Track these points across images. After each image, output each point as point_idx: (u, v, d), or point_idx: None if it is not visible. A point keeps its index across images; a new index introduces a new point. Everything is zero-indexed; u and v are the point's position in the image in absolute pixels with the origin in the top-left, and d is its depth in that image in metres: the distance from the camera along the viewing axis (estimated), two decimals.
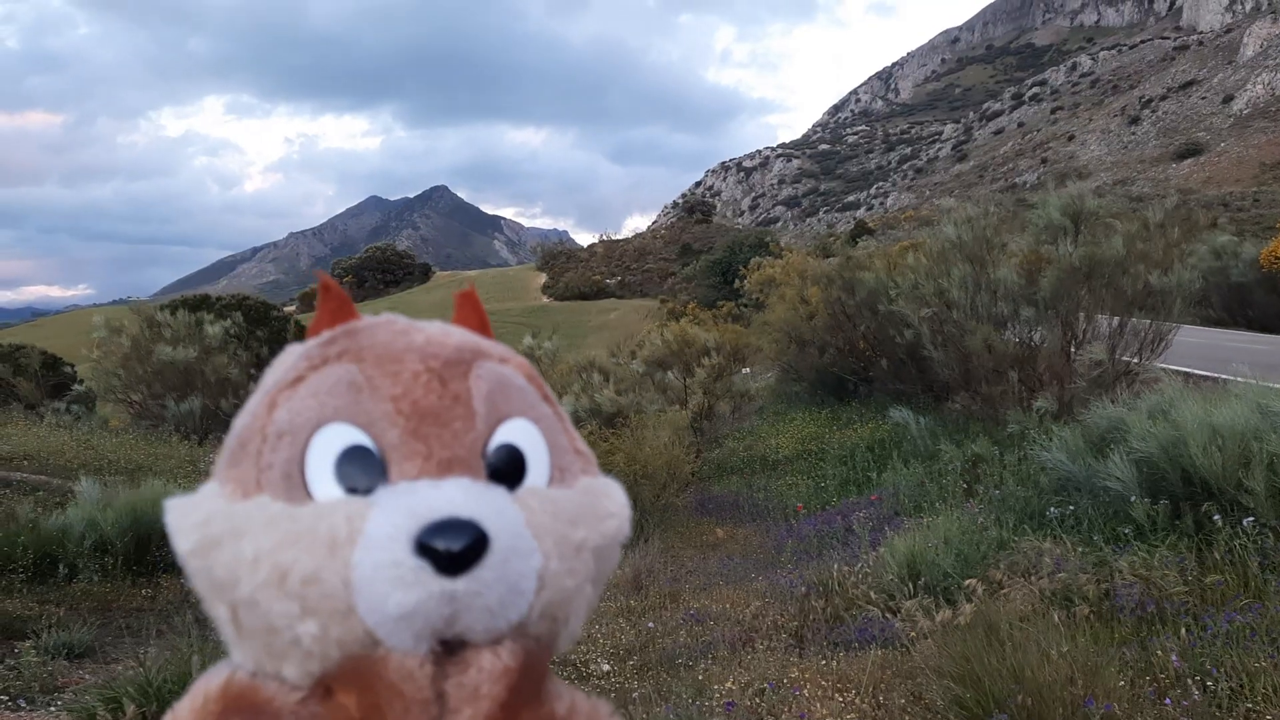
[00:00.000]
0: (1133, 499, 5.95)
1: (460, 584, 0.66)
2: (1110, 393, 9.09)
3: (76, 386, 21.83)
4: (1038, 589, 5.43)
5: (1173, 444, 6.01)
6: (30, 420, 15.79)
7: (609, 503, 0.81)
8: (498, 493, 0.72)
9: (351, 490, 0.70)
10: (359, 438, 0.72)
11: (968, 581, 5.77)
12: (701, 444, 16.88)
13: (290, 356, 0.80)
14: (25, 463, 10.70)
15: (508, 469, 0.75)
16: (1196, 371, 11.96)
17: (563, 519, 0.75)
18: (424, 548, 0.65)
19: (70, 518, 7.79)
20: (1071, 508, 6.66)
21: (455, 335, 0.80)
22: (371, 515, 0.68)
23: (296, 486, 0.71)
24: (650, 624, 7.03)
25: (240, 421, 0.78)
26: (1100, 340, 11.37)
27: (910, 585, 6.29)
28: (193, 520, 0.72)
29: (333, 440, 0.72)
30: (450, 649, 0.69)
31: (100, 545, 7.71)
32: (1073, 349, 11.50)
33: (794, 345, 21.02)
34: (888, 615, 6.09)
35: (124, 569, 7.76)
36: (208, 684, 0.73)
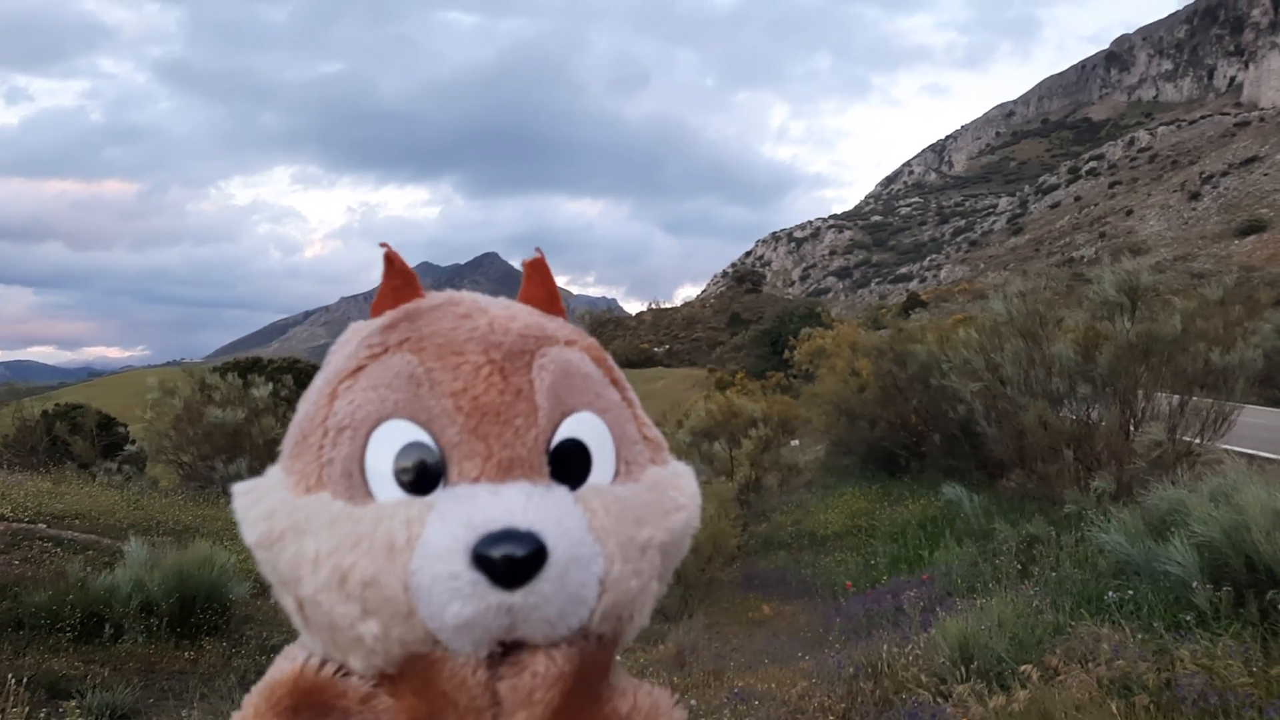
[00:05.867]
0: (1194, 585, 5.77)
1: (517, 597, 0.66)
2: (1170, 474, 8.83)
3: (128, 446, 22.21)
4: (1095, 676, 5.24)
5: (1236, 529, 5.83)
6: (83, 479, 16.10)
7: (677, 494, 0.79)
8: (559, 496, 0.71)
9: (410, 488, 0.70)
10: (418, 435, 0.72)
11: (1023, 667, 5.59)
12: (748, 517, 16.71)
13: (353, 340, 0.80)
14: (77, 521, 10.90)
15: (571, 465, 0.74)
16: (1261, 454, 11.60)
17: (628, 519, 0.74)
18: (481, 559, 0.65)
19: (118, 578, 7.88)
20: (1130, 592, 6.47)
21: (520, 319, 0.79)
22: (430, 521, 0.67)
23: (357, 485, 0.71)
24: (693, 702, 6.90)
25: (303, 408, 0.78)
26: (1160, 419, 11.13)
27: (962, 669, 6.10)
28: (258, 512, 0.73)
29: (392, 437, 0.72)
30: (507, 648, 0.69)
31: (146, 606, 7.78)
32: (1131, 428, 11.25)
33: (844, 418, 20.85)
34: (939, 700, 5.90)
35: (168, 630, 7.81)
36: (279, 672, 0.74)
